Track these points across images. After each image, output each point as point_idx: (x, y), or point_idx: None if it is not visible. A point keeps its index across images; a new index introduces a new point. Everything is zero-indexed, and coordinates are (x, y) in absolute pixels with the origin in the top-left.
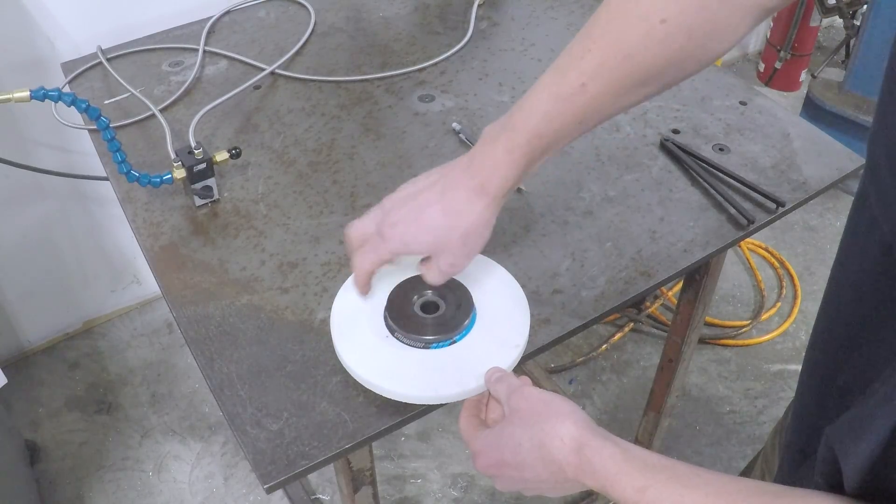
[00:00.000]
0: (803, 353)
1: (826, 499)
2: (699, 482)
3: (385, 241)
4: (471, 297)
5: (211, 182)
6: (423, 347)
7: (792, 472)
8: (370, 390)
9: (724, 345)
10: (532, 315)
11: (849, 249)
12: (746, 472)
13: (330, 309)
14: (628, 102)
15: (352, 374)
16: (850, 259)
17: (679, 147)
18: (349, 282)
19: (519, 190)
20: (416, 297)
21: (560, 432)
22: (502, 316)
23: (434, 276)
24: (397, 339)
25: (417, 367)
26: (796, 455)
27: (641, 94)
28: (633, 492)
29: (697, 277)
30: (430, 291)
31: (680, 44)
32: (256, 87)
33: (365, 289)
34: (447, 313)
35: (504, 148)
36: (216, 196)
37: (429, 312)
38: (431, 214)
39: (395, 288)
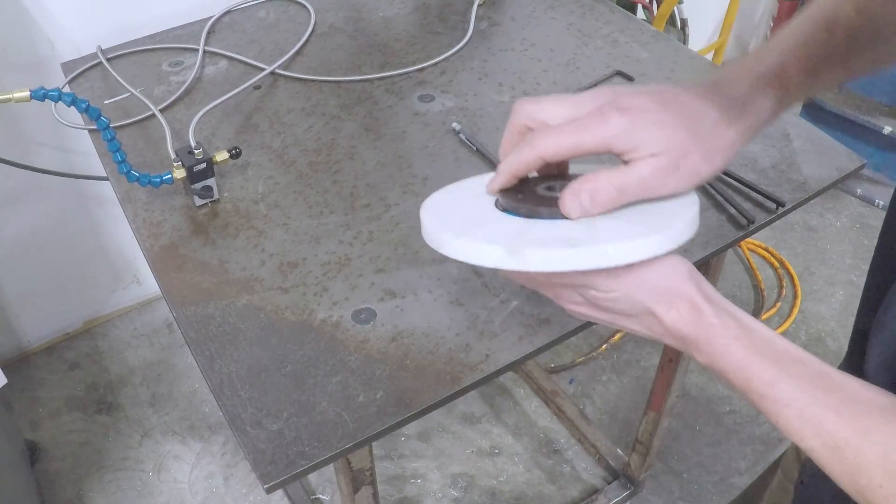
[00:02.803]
0: None
1: None
2: (831, 385)
3: (605, 122)
4: None
5: (211, 182)
6: (531, 217)
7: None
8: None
9: None
10: (532, 315)
11: None
12: (768, 475)
13: (330, 309)
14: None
15: (452, 247)
16: None
17: None
18: (437, 194)
19: None
20: (537, 184)
21: (678, 303)
22: (653, 204)
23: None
24: (511, 213)
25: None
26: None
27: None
28: (759, 384)
29: None
30: (555, 182)
31: None
32: (256, 87)
33: (508, 184)
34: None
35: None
36: (216, 196)
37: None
38: (675, 110)
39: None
